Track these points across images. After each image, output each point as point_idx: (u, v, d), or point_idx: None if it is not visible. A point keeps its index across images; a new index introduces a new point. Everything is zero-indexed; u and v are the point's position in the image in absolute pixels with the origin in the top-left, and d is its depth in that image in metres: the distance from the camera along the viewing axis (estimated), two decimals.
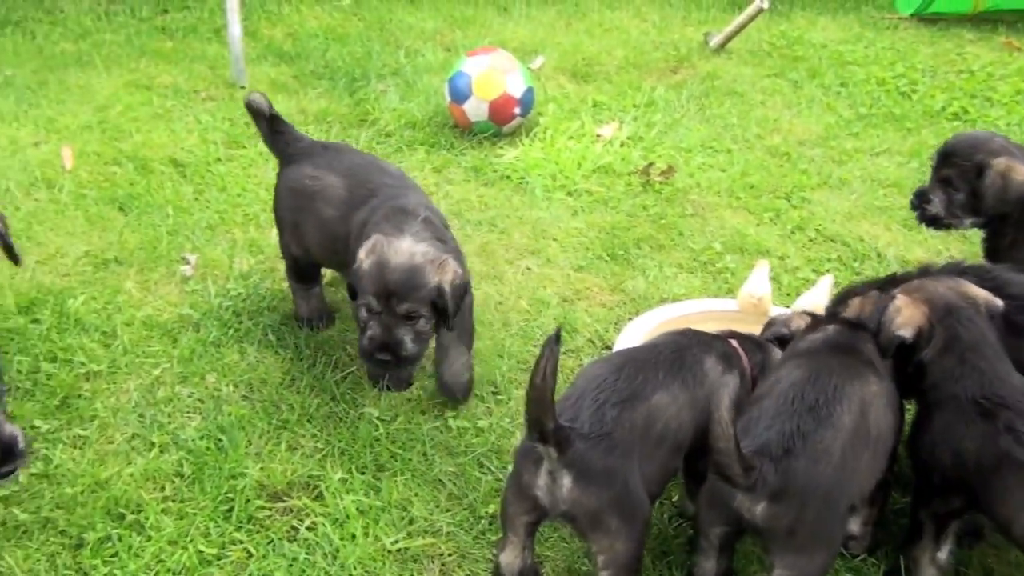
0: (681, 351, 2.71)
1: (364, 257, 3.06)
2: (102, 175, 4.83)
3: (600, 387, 2.52)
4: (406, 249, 3.05)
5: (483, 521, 2.94)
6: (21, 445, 2.57)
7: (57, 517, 2.89)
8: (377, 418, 3.31)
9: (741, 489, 2.32)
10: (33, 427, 3.22)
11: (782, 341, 2.89)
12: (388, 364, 3.10)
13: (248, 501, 2.97)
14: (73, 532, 2.85)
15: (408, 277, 3.02)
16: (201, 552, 2.81)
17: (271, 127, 3.68)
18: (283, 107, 5.52)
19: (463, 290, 3.13)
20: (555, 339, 2.28)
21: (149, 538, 2.84)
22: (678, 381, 2.60)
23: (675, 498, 2.97)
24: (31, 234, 4.27)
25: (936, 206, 3.52)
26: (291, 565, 2.78)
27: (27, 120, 5.32)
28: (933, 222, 3.57)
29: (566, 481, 2.41)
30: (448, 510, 2.98)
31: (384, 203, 3.30)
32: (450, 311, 3.06)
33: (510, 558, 2.62)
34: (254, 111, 3.65)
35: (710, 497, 2.49)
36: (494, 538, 2.86)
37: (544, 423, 2.34)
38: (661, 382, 2.57)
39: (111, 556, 2.79)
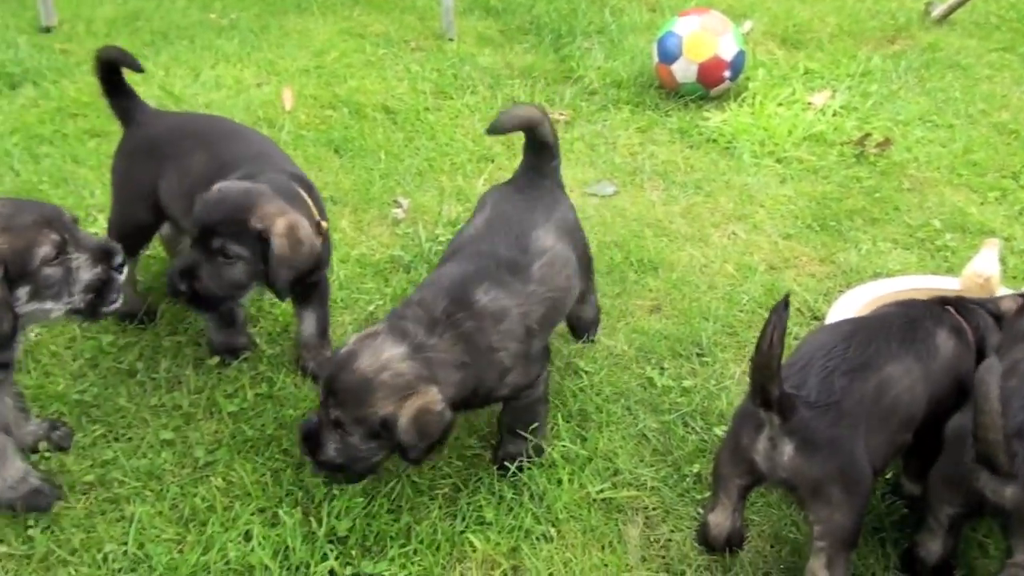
0: (913, 322, 2.61)
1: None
2: (318, 118, 5.00)
3: (829, 355, 2.46)
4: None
5: (687, 479, 2.93)
6: (113, 242, 2.74)
7: (280, 436, 3.04)
8: (583, 369, 3.34)
9: (1003, 476, 2.24)
10: (261, 351, 3.39)
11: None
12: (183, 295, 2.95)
13: (458, 439, 3.05)
14: (295, 451, 2.99)
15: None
16: (415, 483, 2.90)
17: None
18: (488, 60, 5.61)
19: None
20: (783, 306, 2.25)
21: None
22: (911, 354, 2.51)
23: (888, 475, 2.88)
24: None
25: None
26: (499, 502, 2.85)
27: (250, 62, 5.55)
28: None
29: (788, 448, 2.37)
30: (652, 465, 2.99)
31: None
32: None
33: (719, 519, 2.61)
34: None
35: (946, 476, 2.41)
36: (698, 496, 2.86)
37: (769, 389, 2.31)
38: (894, 353, 2.49)
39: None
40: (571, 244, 3.02)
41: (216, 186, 2.91)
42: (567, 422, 3.12)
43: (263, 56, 5.61)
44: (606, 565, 2.68)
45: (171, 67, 5.39)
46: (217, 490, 2.86)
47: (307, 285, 3.13)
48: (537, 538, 2.75)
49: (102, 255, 2.66)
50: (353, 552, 2.68)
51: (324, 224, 3.08)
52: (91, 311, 2.69)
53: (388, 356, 2.54)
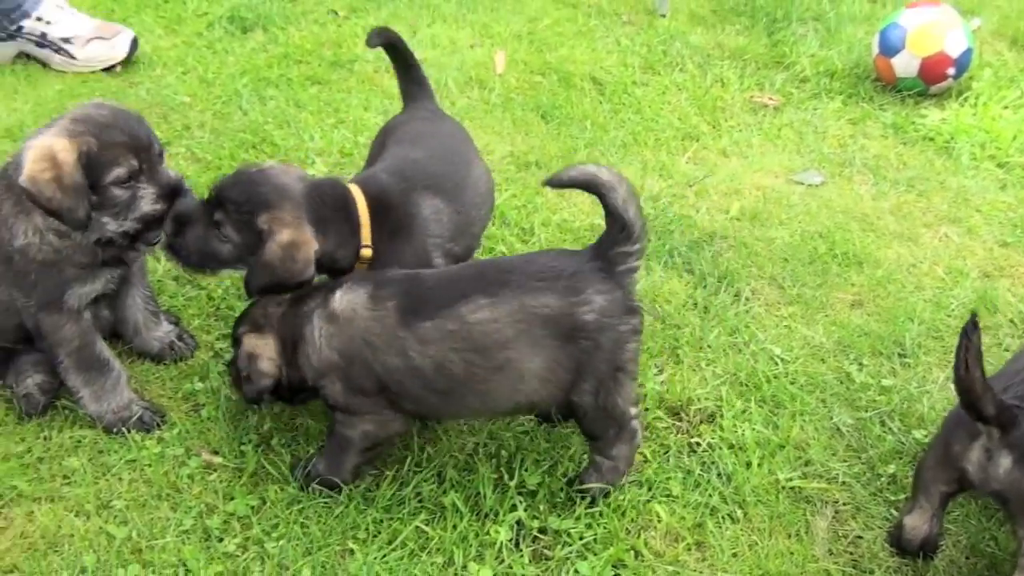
0: None
1: None
2: (528, 83, 5.07)
3: None
4: None
5: (881, 479, 2.87)
6: (186, 184, 2.83)
7: None
8: (778, 356, 3.30)
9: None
10: None
11: None
12: None
13: (648, 410, 3.07)
14: None
15: None
16: None
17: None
18: (699, 39, 5.54)
19: None
20: (972, 327, 2.20)
21: (556, 425, 2.99)
22: None
23: None
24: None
25: None
26: (686, 477, 2.86)
27: (465, 24, 5.66)
28: None
29: (1005, 461, 2.29)
30: (845, 460, 2.94)
31: None
32: None
33: (917, 522, 2.55)
34: None
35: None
36: (892, 497, 2.80)
37: (980, 407, 2.25)
38: None
39: (520, 432, 2.98)
40: None
41: (263, 165, 2.88)
42: (760, 407, 3.09)
43: (478, 19, 5.71)
44: (792, 553, 2.66)
45: (390, 22, 5.54)
46: (415, 433, 2.96)
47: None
48: (723, 517, 2.75)
49: (168, 194, 2.77)
50: (541, 507, 2.75)
51: (365, 252, 2.88)
52: (132, 241, 2.82)
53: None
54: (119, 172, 2.67)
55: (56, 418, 3.00)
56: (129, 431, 2.91)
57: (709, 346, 3.35)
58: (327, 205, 2.82)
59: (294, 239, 2.69)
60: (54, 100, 4.61)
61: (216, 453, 2.90)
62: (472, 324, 2.50)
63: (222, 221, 2.73)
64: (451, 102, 4.80)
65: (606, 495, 2.76)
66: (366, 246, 2.86)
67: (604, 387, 2.57)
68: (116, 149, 2.66)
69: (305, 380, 2.69)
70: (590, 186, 2.55)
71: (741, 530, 2.72)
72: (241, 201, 2.71)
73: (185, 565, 2.58)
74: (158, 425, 2.96)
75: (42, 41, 4.87)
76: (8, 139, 4.27)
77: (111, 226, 2.76)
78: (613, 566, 2.60)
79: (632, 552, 2.64)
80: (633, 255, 2.55)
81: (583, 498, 2.74)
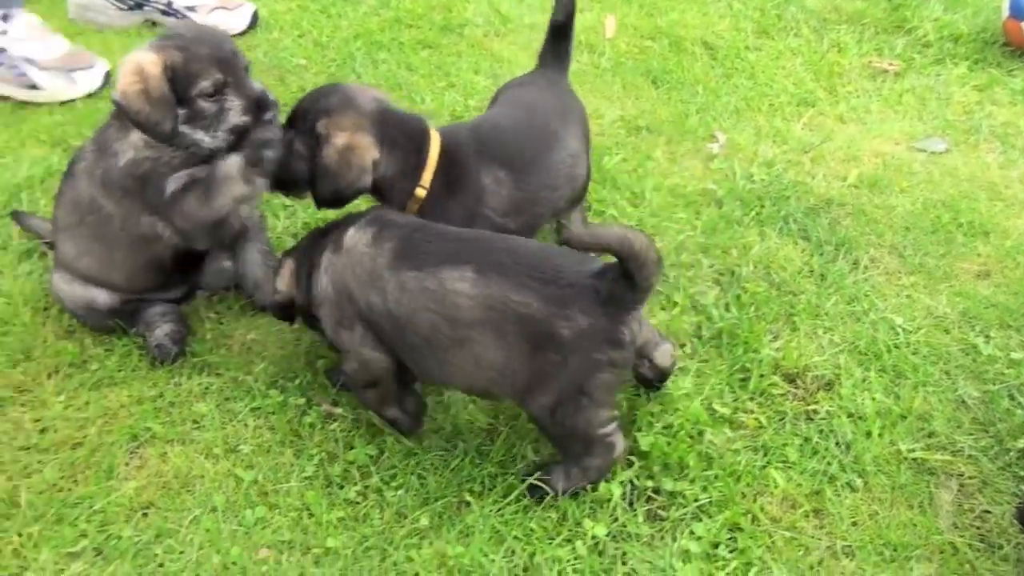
0: None
1: None
2: (638, 47, 5.03)
3: None
4: None
5: (1010, 453, 2.80)
6: (271, 97, 2.87)
7: None
8: (900, 326, 3.23)
9: None
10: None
11: None
12: None
13: (763, 376, 3.05)
14: None
15: None
16: (714, 411, 2.93)
17: None
18: (815, 3, 5.43)
19: None
20: None
21: (667, 387, 2.99)
22: None
23: None
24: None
25: None
26: (803, 444, 2.84)
27: None
28: None
29: None
30: (971, 433, 2.87)
31: None
32: None
33: None
34: None
35: None
36: (1022, 472, 2.73)
37: None
38: None
39: (632, 394, 2.99)
40: None
41: (333, 84, 2.95)
42: (880, 376, 3.04)
43: None
44: (915, 525, 2.62)
45: None
46: None
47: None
48: (842, 485, 2.72)
49: (255, 106, 2.83)
50: (654, 468, 2.75)
51: (419, 192, 2.91)
52: (231, 148, 2.87)
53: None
54: (204, 85, 2.75)
55: (185, 365, 3.11)
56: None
57: (826, 314, 3.30)
58: (398, 130, 2.87)
59: (349, 143, 2.76)
60: None
61: (336, 404, 2.98)
62: (448, 291, 2.47)
63: (292, 137, 2.83)
64: None
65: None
66: (422, 186, 2.90)
67: (563, 407, 2.48)
68: (201, 63, 2.74)
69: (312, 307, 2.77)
70: (620, 254, 2.32)
71: (861, 499, 2.69)
72: (306, 110, 2.81)
73: (308, 509, 2.66)
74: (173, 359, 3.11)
75: (167, 9, 4.99)
76: None
77: (204, 140, 2.86)
78: (729, 529, 2.60)
79: (748, 516, 2.63)
80: (636, 302, 2.42)
81: (695, 463, 2.74)
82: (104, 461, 2.79)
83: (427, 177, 2.91)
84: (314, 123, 2.78)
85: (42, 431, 2.89)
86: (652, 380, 2.89)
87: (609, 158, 4.07)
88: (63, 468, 2.77)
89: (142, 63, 2.71)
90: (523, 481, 2.68)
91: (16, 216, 3.53)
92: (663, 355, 2.83)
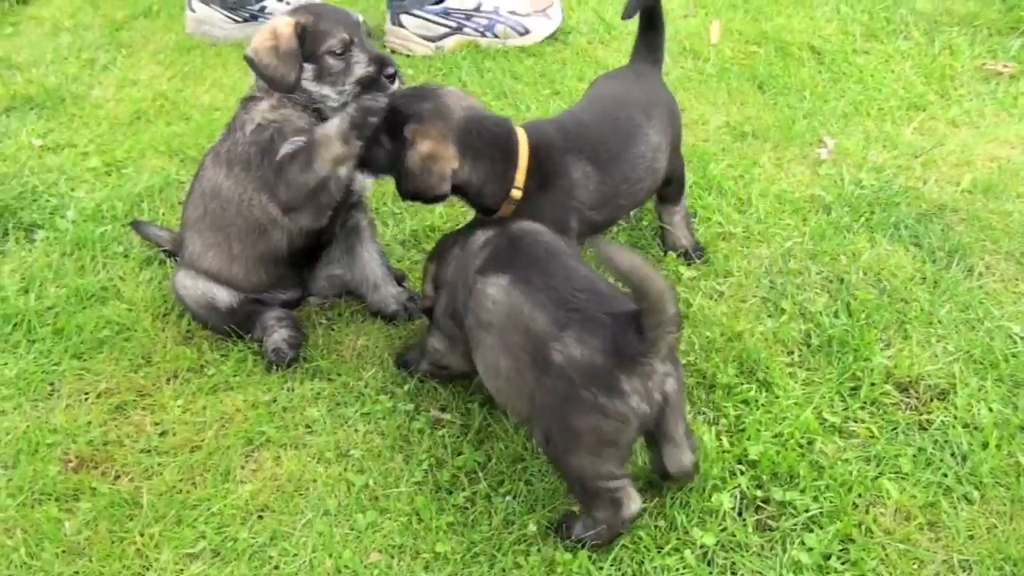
0: None
1: None
2: (743, 53, 4.99)
3: None
4: None
5: None
6: (391, 68, 3.08)
7: (695, 357, 3.13)
8: (1017, 334, 3.14)
9: None
10: (677, 273, 3.48)
11: None
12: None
13: (874, 384, 2.99)
14: (708, 372, 3.06)
15: None
16: (824, 420, 2.89)
17: None
18: (926, 5, 5.31)
19: None
20: None
21: (776, 396, 2.97)
22: None
23: None
24: (677, 99, 4.54)
25: None
26: (917, 454, 2.78)
27: None
28: None
29: None
30: None
31: None
32: None
33: None
34: None
35: None
36: None
37: None
38: None
39: (740, 402, 2.96)
40: None
41: (444, 87, 3.00)
42: (997, 386, 2.96)
43: None
44: None
45: None
46: None
47: None
48: (958, 498, 2.66)
49: (378, 61, 3.04)
50: (763, 477, 2.72)
51: (515, 193, 2.94)
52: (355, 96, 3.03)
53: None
54: (332, 43, 3.00)
55: (297, 371, 3.19)
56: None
57: (940, 322, 3.22)
58: (482, 137, 2.90)
59: (432, 152, 2.82)
60: None
61: (444, 410, 3.02)
62: (482, 292, 2.57)
63: (381, 128, 2.90)
64: (665, 72, 4.73)
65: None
66: (516, 188, 2.95)
67: (553, 440, 2.43)
68: (329, 23, 3.00)
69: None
70: (632, 288, 2.23)
71: (978, 512, 2.61)
72: (399, 110, 2.87)
73: (418, 514, 2.71)
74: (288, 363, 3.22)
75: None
76: None
77: (331, 96, 3.07)
78: (841, 541, 2.55)
79: (861, 527, 2.59)
80: (641, 353, 2.29)
81: (805, 473, 2.70)
82: (221, 464, 2.89)
83: (520, 179, 2.95)
84: (403, 125, 2.85)
85: (162, 434, 3.00)
86: (658, 474, 2.64)
87: (715, 164, 4.05)
88: (182, 471, 2.88)
89: (276, 25, 2.99)
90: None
91: (136, 225, 3.69)
92: (672, 457, 2.55)
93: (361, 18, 3.09)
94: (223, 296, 3.24)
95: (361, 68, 3.02)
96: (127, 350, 3.27)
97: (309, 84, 3.04)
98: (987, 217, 3.69)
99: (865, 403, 2.95)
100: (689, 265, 3.52)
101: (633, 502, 2.49)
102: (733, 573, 2.52)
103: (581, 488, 2.50)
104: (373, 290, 3.36)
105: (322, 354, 3.26)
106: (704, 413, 2.95)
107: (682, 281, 3.46)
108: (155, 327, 3.35)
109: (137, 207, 3.93)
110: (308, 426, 3.01)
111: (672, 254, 3.55)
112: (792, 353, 3.15)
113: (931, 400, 2.95)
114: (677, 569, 2.52)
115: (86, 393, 3.13)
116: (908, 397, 2.98)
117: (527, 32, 5.10)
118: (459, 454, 2.88)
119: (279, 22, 3.00)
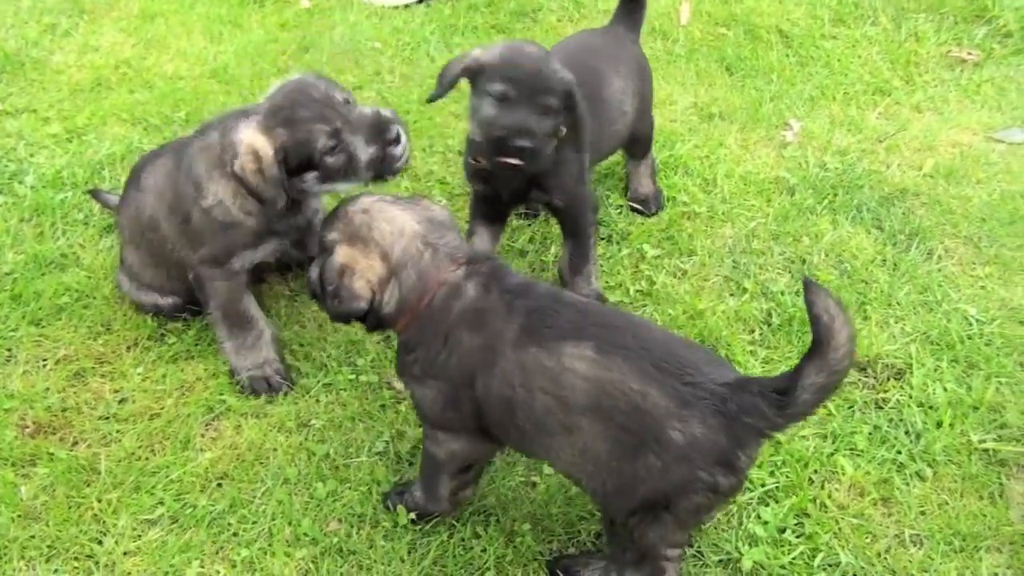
0: None
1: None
2: (712, 34, 4.99)
3: None
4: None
5: None
6: (385, 113, 2.84)
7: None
8: (973, 316, 3.19)
9: None
10: (641, 251, 3.50)
11: None
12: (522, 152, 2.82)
13: None
14: None
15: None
16: None
17: None
18: None
19: None
20: None
21: (745, 369, 2.99)
22: None
23: None
24: None
25: None
26: (872, 432, 2.82)
27: None
28: None
29: None
30: None
31: None
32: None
33: None
34: None
35: None
36: None
37: None
38: None
39: None
40: None
41: (500, 47, 2.88)
42: (952, 366, 3.01)
43: None
44: (984, 515, 2.59)
45: None
46: None
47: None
48: (910, 474, 2.70)
49: (375, 133, 2.80)
50: None
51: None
52: (380, 178, 2.87)
53: (387, 208, 2.44)
54: (322, 143, 2.75)
55: None
56: (255, 391, 3.00)
57: (898, 303, 3.27)
58: None
59: None
60: (255, 45, 4.81)
61: None
62: (557, 368, 2.16)
63: (545, 100, 2.83)
64: None
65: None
66: None
67: (640, 517, 2.17)
68: (304, 128, 2.74)
69: None
70: (815, 330, 1.95)
71: (930, 488, 2.66)
72: (544, 75, 2.82)
73: (378, 484, 2.71)
74: (286, 389, 3.02)
75: None
76: (214, 80, 4.51)
77: (350, 187, 2.86)
78: (796, 515, 2.59)
79: (816, 502, 2.62)
80: (771, 420, 2.03)
81: (767, 445, 2.73)
82: (181, 432, 2.87)
83: None
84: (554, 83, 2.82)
85: (121, 401, 2.98)
86: None
87: (681, 144, 4.06)
88: (141, 438, 2.86)
89: (256, 146, 2.74)
90: (555, 561, 2.53)
91: (94, 194, 3.64)
92: None
93: (331, 86, 2.83)
94: (167, 301, 3.19)
95: (364, 154, 2.80)
96: (86, 317, 3.24)
97: (322, 186, 2.86)
98: (948, 201, 3.74)
99: None
100: (654, 244, 3.54)
101: (671, 573, 2.32)
102: (690, 545, 2.54)
103: (639, 554, 2.27)
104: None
105: (284, 325, 3.25)
106: None
107: (646, 259, 3.48)
108: (115, 295, 3.31)
109: (98, 174, 3.88)
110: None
111: (637, 226, 3.58)
112: (753, 331, 3.18)
113: (888, 379, 2.99)
114: None
115: (44, 359, 3.09)
116: (866, 376, 3.02)
117: None
118: (420, 426, 2.87)
119: (258, 144, 2.73)
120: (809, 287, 1.95)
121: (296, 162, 2.76)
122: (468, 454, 2.45)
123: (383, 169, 2.83)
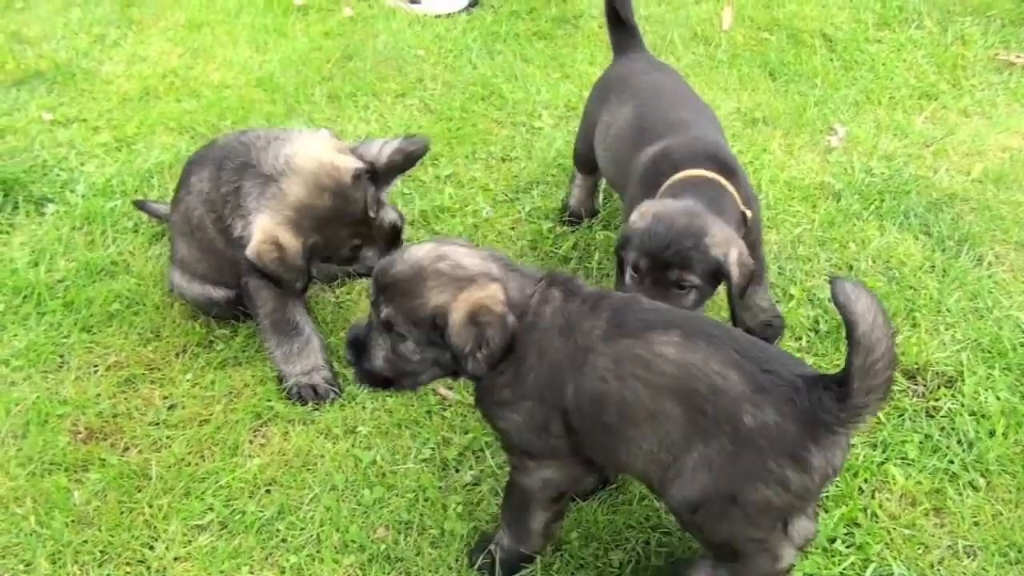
0: None
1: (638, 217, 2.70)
2: (755, 39, 4.97)
3: None
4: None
5: None
6: (401, 223, 3.03)
7: None
8: None
9: None
10: None
11: None
12: None
13: None
14: None
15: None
16: None
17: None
18: None
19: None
20: None
21: None
22: None
23: None
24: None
25: None
26: (923, 441, 2.79)
27: None
28: None
29: None
30: None
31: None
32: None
33: None
34: None
35: None
36: None
37: None
38: None
39: None
40: None
41: (654, 210, 2.68)
42: (1005, 374, 2.97)
43: None
44: None
45: None
46: None
47: None
48: (963, 484, 2.67)
49: (388, 245, 2.95)
50: None
51: (748, 213, 2.82)
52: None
53: (449, 249, 2.29)
54: (344, 253, 2.97)
55: None
56: (303, 398, 3.01)
57: (948, 310, 3.23)
58: (705, 191, 2.81)
59: (740, 251, 2.69)
60: (300, 53, 4.86)
61: (450, 389, 3.03)
62: (645, 356, 2.13)
63: (678, 276, 2.66)
64: (676, 58, 4.78)
65: None
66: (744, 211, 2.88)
67: (706, 509, 2.12)
68: (338, 240, 2.92)
69: None
70: (849, 329, 1.93)
71: (984, 499, 2.62)
72: (684, 248, 2.65)
73: (424, 491, 2.71)
74: (334, 395, 3.03)
75: None
76: (259, 88, 4.56)
77: (343, 270, 3.12)
78: (846, 525, 2.56)
79: (866, 512, 2.60)
80: (835, 414, 1.98)
81: None
82: (229, 438, 2.90)
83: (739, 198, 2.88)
84: (703, 253, 2.64)
85: (170, 407, 3.01)
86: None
87: None
88: (190, 444, 2.89)
89: (281, 240, 2.82)
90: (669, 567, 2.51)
91: (140, 205, 3.67)
92: (801, 528, 2.31)
93: (367, 200, 2.90)
94: (220, 293, 3.21)
95: (371, 261, 2.94)
96: (136, 324, 3.28)
97: (320, 263, 3.08)
98: (997, 207, 3.70)
99: None
100: None
101: (787, 551, 2.23)
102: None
103: (729, 550, 2.22)
104: None
105: (331, 330, 3.27)
106: None
107: None
108: (164, 302, 3.36)
109: (147, 182, 3.93)
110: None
111: None
112: (800, 339, 3.16)
113: (938, 387, 2.96)
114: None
115: (95, 366, 3.14)
116: (915, 384, 2.99)
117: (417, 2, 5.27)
118: (466, 432, 2.89)
119: (284, 238, 2.81)
120: (835, 285, 1.93)
121: (319, 255, 2.94)
122: (560, 479, 2.38)
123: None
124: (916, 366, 3.02)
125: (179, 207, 3.17)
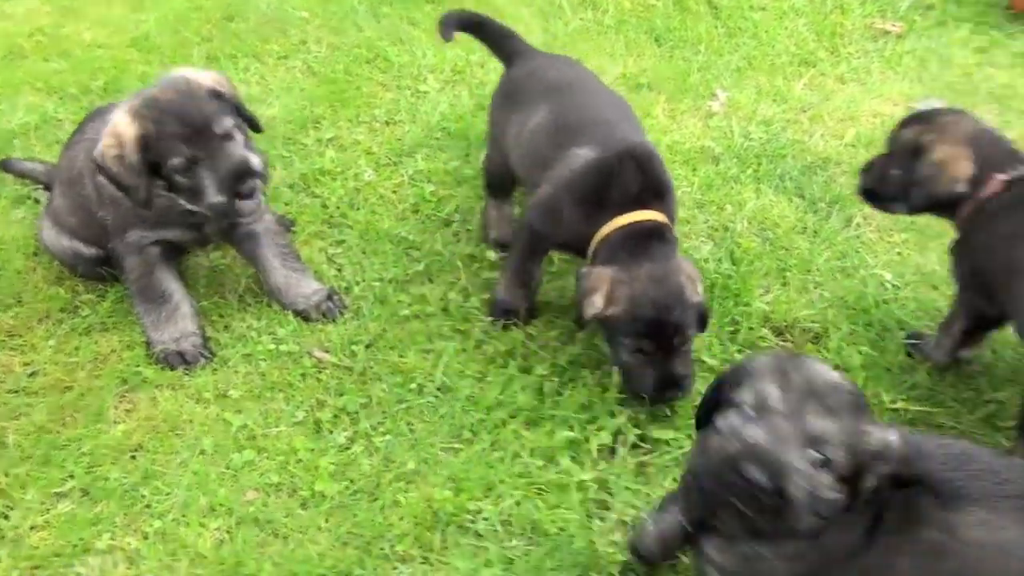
0: None
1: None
2: (642, 5, 4.99)
3: None
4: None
5: (990, 405, 2.84)
6: (254, 163, 2.78)
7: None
8: (889, 282, 3.25)
9: None
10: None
11: None
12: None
13: (752, 328, 3.06)
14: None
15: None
16: (703, 362, 2.95)
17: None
18: None
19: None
20: None
21: None
22: None
23: None
24: (575, 49, 4.52)
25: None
26: None
27: None
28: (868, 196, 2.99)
29: None
30: (953, 386, 2.90)
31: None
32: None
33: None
34: None
35: None
36: (1000, 424, 2.79)
37: None
38: None
39: None
40: None
41: (630, 293, 2.69)
42: (867, 330, 3.06)
43: None
44: None
45: None
46: (518, 340, 3.01)
47: None
48: None
49: (231, 183, 2.74)
50: (641, 416, 2.78)
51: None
52: (226, 219, 2.87)
53: None
54: (175, 162, 2.71)
55: None
56: (171, 364, 2.94)
57: (817, 269, 3.31)
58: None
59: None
60: (178, 13, 4.72)
61: (327, 351, 2.99)
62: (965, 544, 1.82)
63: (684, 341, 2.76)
64: (564, 23, 4.78)
65: None
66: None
67: None
68: (171, 139, 2.69)
69: None
70: None
71: None
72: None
73: (296, 453, 2.68)
74: (204, 360, 2.96)
75: None
76: (134, 49, 4.42)
77: (199, 210, 2.82)
78: None
79: None
80: None
81: (670, 416, 2.77)
82: (94, 404, 2.82)
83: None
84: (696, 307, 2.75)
85: (31, 375, 2.92)
86: None
87: None
88: (52, 411, 2.80)
89: (119, 129, 2.70)
90: None
91: (6, 165, 3.54)
92: None
93: (212, 114, 2.74)
94: (91, 252, 3.11)
95: (212, 194, 2.75)
96: None
97: (165, 193, 2.81)
98: None
99: (743, 346, 3.01)
100: None
101: None
102: (608, 508, 2.56)
103: None
104: (281, 294, 3.15)
105: (204, 295, 3.20)
106: (587, 353, 2.98)
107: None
108: (26, 267, 3.25)
109: (9, 144, 3.78)
110: None
111: None
112: None
113: (805, 343, 3.03)
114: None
115: None
116: (784, 340, 3.06)
117: None
118: (341, 395, 2.86)
119: (122, 125, 2.70)
120: None
121: (154, 160, 2.72)
122: None
123: (228, 216, 2.83)
124: (784, 323, 3.10)
125: (68, 152, 3.08)
